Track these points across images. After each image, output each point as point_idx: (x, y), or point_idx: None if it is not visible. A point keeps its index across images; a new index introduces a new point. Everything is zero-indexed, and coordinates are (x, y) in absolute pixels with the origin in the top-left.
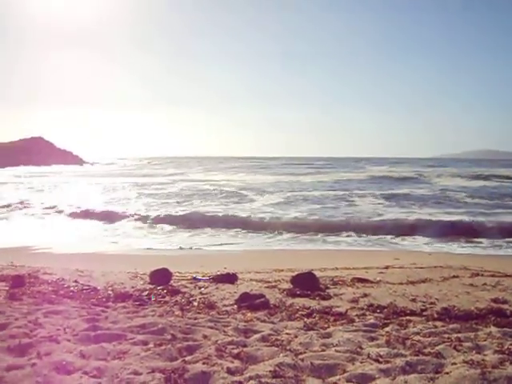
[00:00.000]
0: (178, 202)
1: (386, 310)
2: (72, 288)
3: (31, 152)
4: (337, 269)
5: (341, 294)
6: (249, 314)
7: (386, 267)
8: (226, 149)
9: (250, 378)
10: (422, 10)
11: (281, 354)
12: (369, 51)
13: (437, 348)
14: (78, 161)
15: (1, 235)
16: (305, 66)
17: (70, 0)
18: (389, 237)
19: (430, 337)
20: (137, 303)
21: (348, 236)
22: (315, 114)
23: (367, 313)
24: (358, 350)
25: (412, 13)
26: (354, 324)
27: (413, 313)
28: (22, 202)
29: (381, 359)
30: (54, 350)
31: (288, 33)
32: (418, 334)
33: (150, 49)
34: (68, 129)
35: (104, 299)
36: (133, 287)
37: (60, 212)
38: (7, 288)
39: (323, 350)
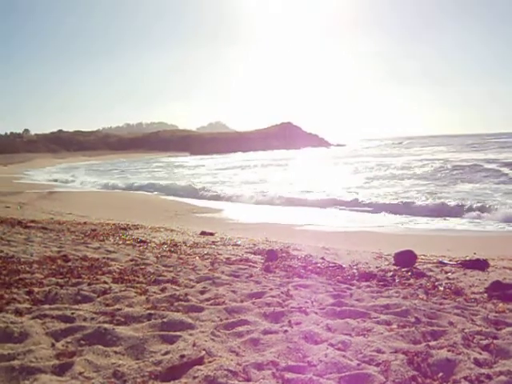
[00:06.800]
0: None
1: None
2: (319, 264)
3: (282, 137)
4: None
5: None
6: (500, 305)
7: None
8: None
9: (501, 372)
10: None
11: None
12: None
13: None
14: (323, 143)
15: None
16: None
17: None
18: None
19: None
20: (381, 283)
21: None
22: None
23: None
24: None
25: None
26: None
27: None
28: None
29: None
30: (303, 321)
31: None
32: None
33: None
34: (313, 114)
35: (349, 277)
36: (377, 267)
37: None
38: (263, 261)
39: None
